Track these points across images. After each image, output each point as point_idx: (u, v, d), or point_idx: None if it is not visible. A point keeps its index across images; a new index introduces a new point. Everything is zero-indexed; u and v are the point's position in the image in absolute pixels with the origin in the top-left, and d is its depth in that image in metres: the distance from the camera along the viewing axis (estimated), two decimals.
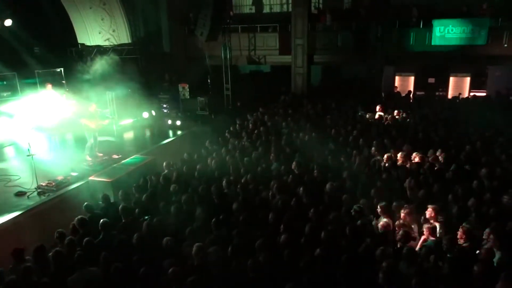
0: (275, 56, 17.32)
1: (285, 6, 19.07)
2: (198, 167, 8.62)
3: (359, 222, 5.84)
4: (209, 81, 17.29)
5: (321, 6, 18.40)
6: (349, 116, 12.61)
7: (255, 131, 11.35)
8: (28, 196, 8.42)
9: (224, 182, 7.62)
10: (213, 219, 5.96)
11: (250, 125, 12.17)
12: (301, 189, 7.02)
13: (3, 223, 7.20)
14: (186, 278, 4.59)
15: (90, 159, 10.27)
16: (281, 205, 6.53)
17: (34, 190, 8.57)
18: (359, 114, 12.78)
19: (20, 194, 8.54)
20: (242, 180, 7.74)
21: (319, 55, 16.76)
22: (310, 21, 16.16)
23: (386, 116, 12.29)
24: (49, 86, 13.60)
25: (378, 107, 12.72)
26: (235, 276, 4.78)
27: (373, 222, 6.18)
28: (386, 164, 8.38)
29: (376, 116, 12.36)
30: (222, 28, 16.01)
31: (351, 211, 6.22)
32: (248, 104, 15.32)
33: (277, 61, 17.67)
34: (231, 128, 11.76)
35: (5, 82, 14.13)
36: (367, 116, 12.49)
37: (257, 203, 6.76)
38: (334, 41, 16.25)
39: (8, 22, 14.49)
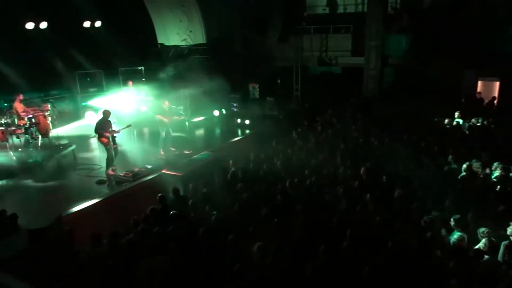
0: (347, 57, 16.94)
1: (360, 7, 18.58)
2: (264, 166, 8.72)
3: (428, 234, 5.55)
4: (279, 81, 17.37)
5: (398, 6, 17.65)
6: (424, 121, 11.99)
7: (323, 134, 11.21)
8: (108, 185, 9.14)
9: (288, 183, 7.63)
10: (276, 220, 6.01)
11: (318, 127, 12.05)
12: (368, 195, 6.82)
13: (84, 208, 7.88)
14: (247, 275, 4.68)
15: (163, 153, 10.86)
16: (345, 210, 6.40)
17: (113, 179, 9.25)
18: (435, 120, 12.10)
19: (101, 182, 9.29)
20: (307, 182, 7.70)
21: (394, 57, 16.10)
22: (386, 22, 15.58)
23: (465, 123, 11.50)
24: (130, 83, 14.64)
25: (457, 113, 11.96)
26: (294, 277, 4.78)
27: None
28: (463, 174, 7.85)
29: (454, 123, 11.63)
30: (294, 29, 16.02)
31: (421, 222, 5.93)
32: (317, 105, 15.17)
33: (349, 63, 17.26)
34: (299, 129, 11.74)
35: (88, 79, 15.43)
36: (445, 122, 11.79)
37: (321, 207, 6.69)
38: (411, 43, 15.49)
39: (98, 23, 15.81)
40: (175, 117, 11.32)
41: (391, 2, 17.16)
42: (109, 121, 9.74)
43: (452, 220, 5.81)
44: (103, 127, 9.53)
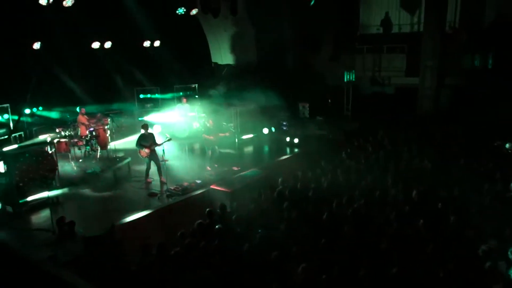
0: (401, 77, 16.53)
1: (415, 26, 18.12)
2: (312, 186, 8.63)
3: (487, 265, 5.20)
4: (329, 100, 17.25)
5: (456, 25, 17.04)
6: (483, 145, 11.34)
7: (373, 155, 10.93)
8: (158, 197, 9.47)
9: (335, 203, 7.49)
10: (322, 240, 5.91)
11: (369, 148, 11.77)
12: (421, 221, 6.53)
13: (136, 219, 8.18)
14: None
15: (209, 169, 11.08)
16: (395, 234, 6.17)
17: (164, 192, 9.57)
18: (496, 144, 11.41)
19: (152, 195, 9.64)
20: (355, 204, 7.52)
21: (451, 78, 15.49)
22: (443, 41, 15.08)
23: None
24: (184, 100, 15.18)
25: None
26: None
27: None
28: None
29: None
30: (347, 48, 15.94)
31: (479, 251, 5.57)
32: (368, 126, 14.86)
33: (402, 83, 16.83)
34: (348, 149, 11.53)
35: (149, 95, 16.22)
36: (507, 146, 11.09)
37: (369, 229, 6.50)
38: (470, 63, 14.86)
39: (157, 43, 16.65)
40: (220, 134, 11.55)
41: (449, 21, 16.63)
42: (150, 134, 10.28)
43: (509, 252, 5.41)
44: (140, 141, 10.15)
